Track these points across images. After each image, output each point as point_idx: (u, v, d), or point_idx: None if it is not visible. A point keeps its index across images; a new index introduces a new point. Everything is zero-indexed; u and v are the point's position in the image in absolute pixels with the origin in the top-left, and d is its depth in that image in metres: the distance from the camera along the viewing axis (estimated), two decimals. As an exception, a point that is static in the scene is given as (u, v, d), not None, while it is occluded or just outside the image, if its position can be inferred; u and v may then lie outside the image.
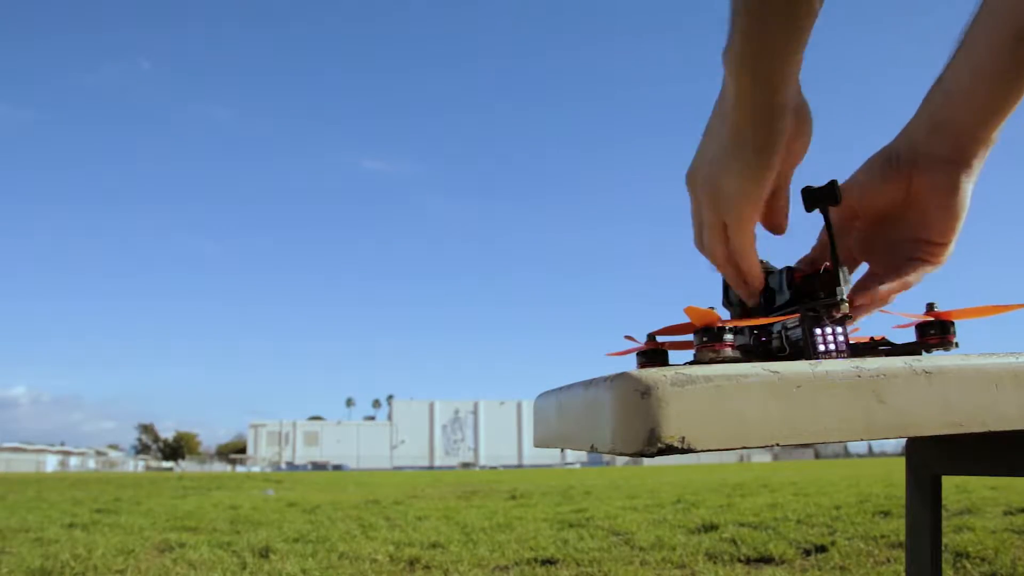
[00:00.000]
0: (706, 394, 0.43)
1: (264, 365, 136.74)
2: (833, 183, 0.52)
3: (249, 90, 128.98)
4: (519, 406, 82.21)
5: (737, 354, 0.51)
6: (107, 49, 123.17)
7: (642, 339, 0.60)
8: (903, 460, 0.73)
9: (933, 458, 0.73)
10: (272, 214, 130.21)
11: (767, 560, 1.94)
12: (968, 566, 1.75)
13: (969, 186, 0.45)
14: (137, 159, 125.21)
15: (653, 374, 0.44)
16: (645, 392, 0.43)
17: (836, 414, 0.44)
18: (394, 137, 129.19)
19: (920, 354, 0.55)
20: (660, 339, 0.58)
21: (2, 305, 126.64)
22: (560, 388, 0.58)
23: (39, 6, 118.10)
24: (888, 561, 1.84)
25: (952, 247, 0.48)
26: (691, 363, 0.54)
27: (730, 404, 0.43)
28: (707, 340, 0.51)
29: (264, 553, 2.14)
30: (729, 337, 0.51)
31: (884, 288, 0.50)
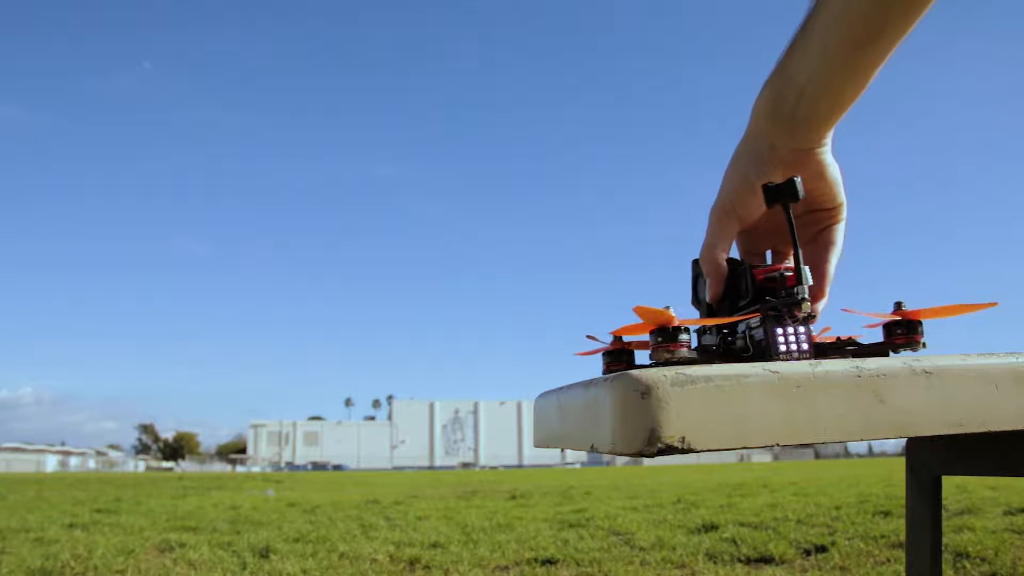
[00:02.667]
0: (706, 394, 0.43)
1: (264, 365, 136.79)
2: (793, 180, 0.52)
3: (249, 91, 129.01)
4: (519, 406, 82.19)
5: (693, 355, 0.51)
6: (109, 49, 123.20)
7: (605, 339, 0.60)
8: (903, 460, 0.73)
9: (933, 458, 0.73)
10: (272, 215, 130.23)
11: (767, 560, 1.94)
12: (968, 566, 1.75)
13: (831, 156, 0.51)
14: (138, 160, 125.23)
15: (653, 374, 0.44)
16: (645, 392, 0.43)
17: (836, 414, 0.44)
18: (395, 139, 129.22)
19: (887, 354, 0.55)
20: (625, 338, 0.58)
21: (3, 305, 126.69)
22: (560, 388, 0.58)
23: (36, 6, 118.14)
24: (888, 561, 1.84)
25: (845, 201, 0.53)
26: (649, 365, 0.54)
27: (730, 404, 0.43)
28: (662, 340, 0.51)
29: (264, 553, 2.14)
30: (684, 337, 0.51)
31: (828, 265, 0.54)
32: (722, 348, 0.58)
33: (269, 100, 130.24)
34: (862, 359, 0.47)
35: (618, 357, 0.58)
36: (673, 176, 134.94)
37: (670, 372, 0.44)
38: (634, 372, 0.45)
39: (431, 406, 78.86)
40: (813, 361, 0.46)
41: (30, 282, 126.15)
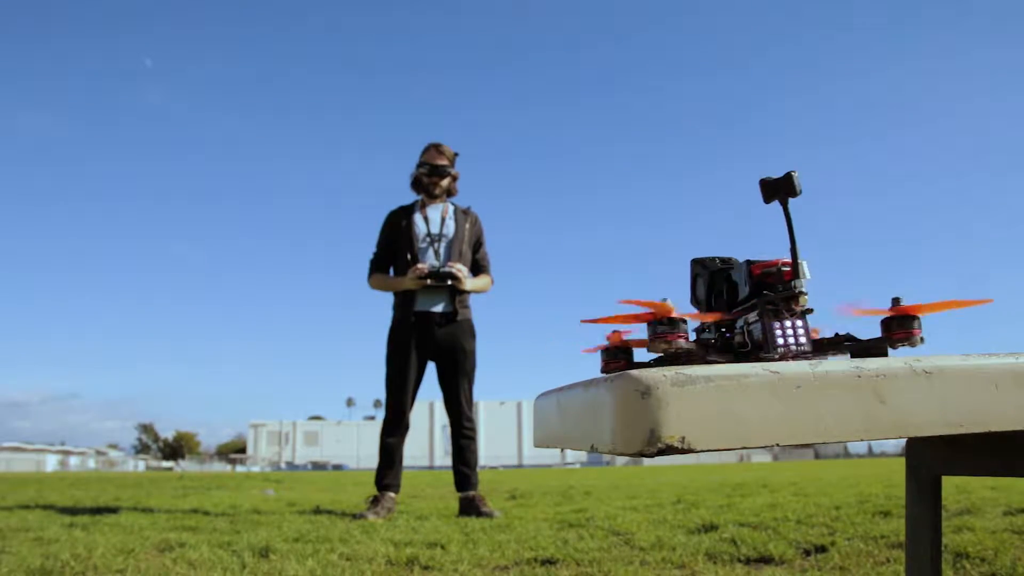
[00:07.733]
0: (706, 394, 0.43)
1: (264, 365, 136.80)
2: (790, 174, 0.52)
3: (249, 92, 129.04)
4: (519, 406, 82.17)
5: (692, 346, 0.51)
6: (109, 48, 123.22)
7: (603, 332, 0.61)
8: (903, 460, 0.73)
9: (933, 458, 0.73)
10: (272, 215, 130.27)
11: (767, 560, 1.94)
12: (968, 566, 1.75)
13: None
14: (139, 160, 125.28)
15: (653, 374, 0.44)
16: (645, 392, 0.43)
17: (836, 414, 0.44)
18: (394, 139, 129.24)
19: (886, 350, 0.55)
20: (626, 337, 0.59)
21: (3, 305, 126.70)
22: (560, 388, 0.58)
23: (33, 5, 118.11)
24: (888, 561, 1.84)
25: None
26: (649, 363, 0.55)
27: (730, 404, 0.43)
28: (660, 331, 0.51)
29: (264, 553, 2.14)
30: (683, 327, 0.51)
31: None
32: (720, 342, 0.58)
33: (269, 102, 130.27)
34: (862, 359, 0.47)
35: (616, 355, 0.58)
36: (673, 177, 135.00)
37: (670, 372, 0.44)
38: (634, 372, 0.45)
39: (431, 406, 78.83)
40: (813, 361, 0.47)
41: (31, 283, 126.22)
